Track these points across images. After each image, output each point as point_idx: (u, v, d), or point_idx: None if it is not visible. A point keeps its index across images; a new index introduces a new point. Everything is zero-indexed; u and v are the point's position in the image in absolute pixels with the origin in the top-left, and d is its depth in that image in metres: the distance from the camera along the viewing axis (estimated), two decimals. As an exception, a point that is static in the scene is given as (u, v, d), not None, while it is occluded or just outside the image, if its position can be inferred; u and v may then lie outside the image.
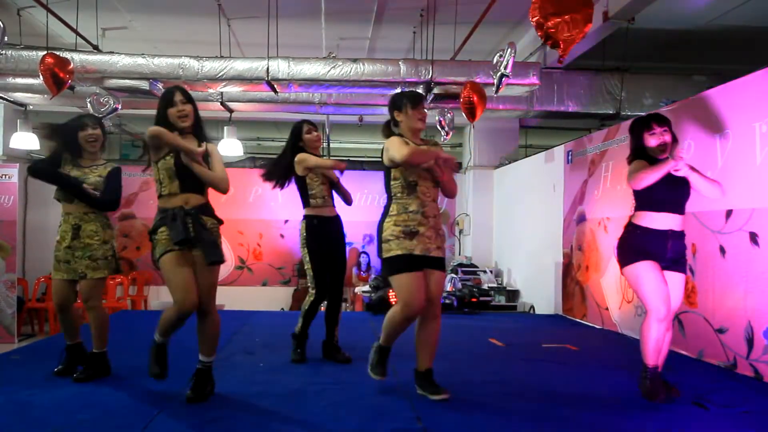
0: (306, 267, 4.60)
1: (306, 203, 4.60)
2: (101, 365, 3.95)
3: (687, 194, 3.65)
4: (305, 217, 4.60)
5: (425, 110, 3.73)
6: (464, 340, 5.69)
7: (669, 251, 3.59)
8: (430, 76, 6.68)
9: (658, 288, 3.55)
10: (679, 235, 3.62)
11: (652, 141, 3.61)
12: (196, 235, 3.35)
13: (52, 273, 3.98)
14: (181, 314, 3.36)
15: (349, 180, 10.07)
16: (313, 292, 4.56)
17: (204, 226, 3.41)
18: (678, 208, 3.62)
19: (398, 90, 6.96)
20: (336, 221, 4.64)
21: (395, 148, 3.52)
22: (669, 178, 3.55)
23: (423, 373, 3.69)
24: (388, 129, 3.81)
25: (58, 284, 3.94)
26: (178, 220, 3.34)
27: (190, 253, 3.38)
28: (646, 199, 3.63)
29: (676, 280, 3.65)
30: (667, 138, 3.61)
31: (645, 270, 3.57)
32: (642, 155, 3.66)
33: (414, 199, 3.59)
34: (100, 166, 4.03)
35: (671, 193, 3.59)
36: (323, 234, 4.55)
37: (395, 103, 3.74)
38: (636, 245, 3.62)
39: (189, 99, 3.52)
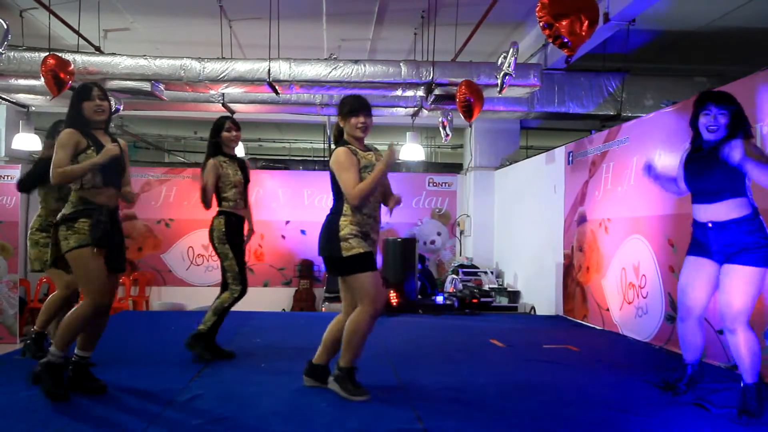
0: (226, 263, 4.51)
1: (220, 203, 4.58)
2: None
3: (721, 180, 3.29)
4: (223, 213, 4.54)
5: (365, 119, 3.62)
6: (465, 340, 5.69)
7: (713, 244, 3.34)
8: (431, 77, 6.69)
9: (682, 286, 3.49)
10: (721, 226, 3.29)
11: (702, 120, 3.38)
12: (113, 238, 3.49)
13: (53, 269, 4.01)
14: (98, 310, 3.41)
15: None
16: (238, 288, 4.50)
17: (120, 229, 3.58)
18: (711, 196, 3.32)
19: (398, 91, 6.98)
20: (243, 221, 4.67)
21: (344, 177, 3.52)
22: (692, 167, 3.42)
23: (348, 369, 3.61)
24: (337, 131, 3.77)
25: (71, 279, 4.05)
26: (103, 220, 3.43)
27: (102, 251, 3.45)
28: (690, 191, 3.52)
29: (729, 273, 3.27)
30: (721, 120, 3.32)
31: (684, 265, 3.53)
32: (694, 134, 3.48)
33: (365, 202, 3.58)
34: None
35: (698, 183, 3.39)
36: (239, 231, 4.58)
37: (339, 107, 3.70)
38: (690, 238, 3.54)
39: (106, 96, 3.62)
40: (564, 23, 3.79)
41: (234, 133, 4.62)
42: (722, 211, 3.30)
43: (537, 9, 3.94)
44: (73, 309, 3.47)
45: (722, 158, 3.20)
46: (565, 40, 3.82)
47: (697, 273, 3.42)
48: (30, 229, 4.44)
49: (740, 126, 3.34)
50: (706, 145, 3.41)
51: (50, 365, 3.43)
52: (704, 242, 3.39)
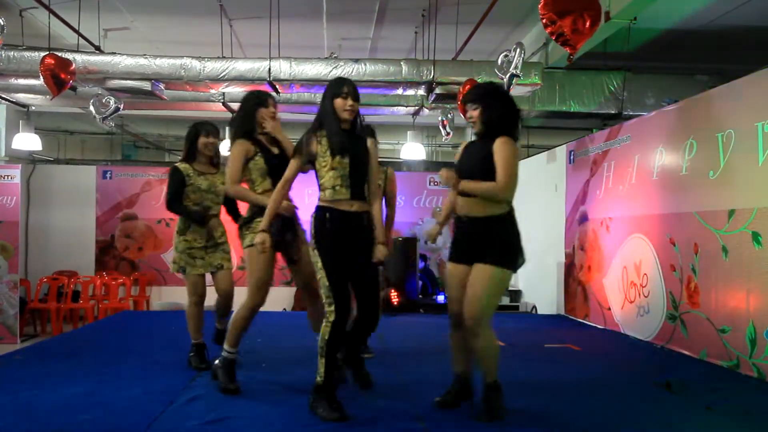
0: (317, 275, 3.27)
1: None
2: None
3: (482, 176, 3.31)
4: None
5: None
6: (466, 340, 5.68)
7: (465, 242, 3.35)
8: (432, 76, 6.68)
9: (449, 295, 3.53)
10: (476, 222, 3.33)
11: None
12: (285, 234, 3.59)
13: (187, 269, 4.19)
14: (256, 308, 3.67)
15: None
16: (332, 310, 3.17)
17: (292, 224, 3.67)
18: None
19: (399, 90, 6.97)
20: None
21: None
22: (461, 159, 3.46)
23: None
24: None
25: (199, 279, 4.23)
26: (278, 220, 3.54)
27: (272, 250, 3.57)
28: None
29: (476, 272, 3.24)
30: (474, 113, 3.40)
31: (448, 273, 3.52)
32: None
33: None
34: (219, 172, 4.31)
35: (463, 175, 3.38)
36: (342, 228, 3.29)
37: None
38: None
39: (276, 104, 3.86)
40: (566, 21, 3.78)
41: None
42: (480, 207, 3.28)
43: (540, 6, 3.93)
44: (238, 312, 3.67)
45: (486, 154, 3.27)
46: (568, 37, 3.81)
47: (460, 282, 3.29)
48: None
49: (501, 122, 3.34)
50: (477, 141, 3.42)
51: (225, 361, 3.68)
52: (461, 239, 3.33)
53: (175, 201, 4.23)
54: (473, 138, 3.53)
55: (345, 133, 3.32)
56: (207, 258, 4.22)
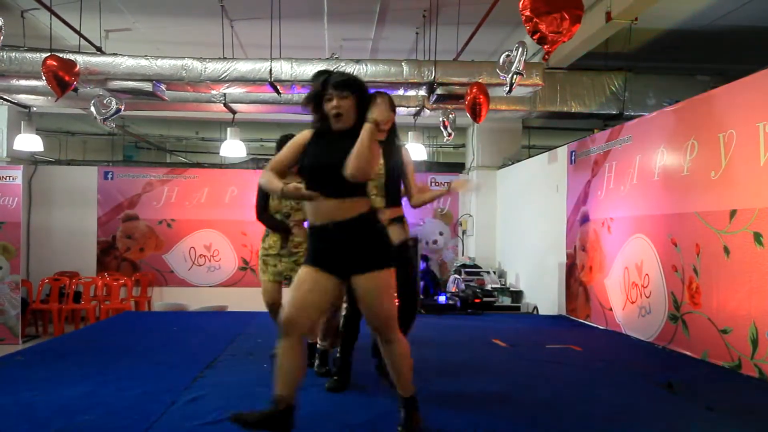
0: None
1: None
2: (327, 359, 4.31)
3: None
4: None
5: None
6: (468, 340, 5.68)
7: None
8: (433, 77, 6.68)
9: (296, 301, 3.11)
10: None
11: None
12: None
13: (260, 275, 4.33)
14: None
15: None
16: (346, 306, 3.81)
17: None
18: None
19: (400, 91, 6.97)
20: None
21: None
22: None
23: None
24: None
25: (269, 286, 4.28)
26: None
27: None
28: None
29: (373, 280, 2.89)
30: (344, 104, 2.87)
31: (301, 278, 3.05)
32: None
33: None
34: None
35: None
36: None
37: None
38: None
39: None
40: (545, 19, 3.78)
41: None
42: (345, 210, 2.87)
43: (520, 3, 3.93)
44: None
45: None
46: (544, 35, 3.81)
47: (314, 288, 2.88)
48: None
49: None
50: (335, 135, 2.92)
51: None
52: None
53: (261, 212, 4.31)
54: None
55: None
56: (278, 266, 4.26)
